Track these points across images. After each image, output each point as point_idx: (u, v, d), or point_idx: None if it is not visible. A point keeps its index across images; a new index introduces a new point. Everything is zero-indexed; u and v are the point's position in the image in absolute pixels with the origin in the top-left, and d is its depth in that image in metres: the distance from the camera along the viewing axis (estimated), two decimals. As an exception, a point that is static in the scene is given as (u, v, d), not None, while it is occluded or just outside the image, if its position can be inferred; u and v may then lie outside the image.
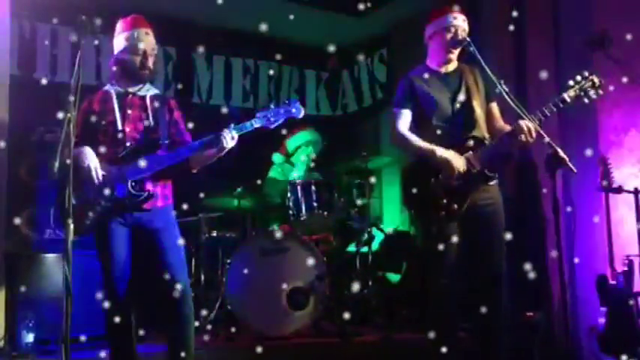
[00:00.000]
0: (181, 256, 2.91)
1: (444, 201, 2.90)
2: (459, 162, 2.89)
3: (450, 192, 2.91)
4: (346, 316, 4.05)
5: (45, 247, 3.87)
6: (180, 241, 2.93)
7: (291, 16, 5.27)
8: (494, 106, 3.15)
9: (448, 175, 2.89)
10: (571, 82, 2.92)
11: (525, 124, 2.83)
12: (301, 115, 3.03)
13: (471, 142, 2.95)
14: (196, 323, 4.12)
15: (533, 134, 2.84)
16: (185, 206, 3.76)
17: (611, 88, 3.79)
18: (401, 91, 3.14)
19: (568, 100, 2.88)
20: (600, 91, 2.93)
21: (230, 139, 2.82)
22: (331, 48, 5.46)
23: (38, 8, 4.84)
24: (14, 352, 3.55)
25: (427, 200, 2.92)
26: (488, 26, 4.65)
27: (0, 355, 3.43)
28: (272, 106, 2.97)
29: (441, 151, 2.91)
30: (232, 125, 2.86)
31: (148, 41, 2.94)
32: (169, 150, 2.88)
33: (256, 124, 2.92)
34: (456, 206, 2.89)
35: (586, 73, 2.93)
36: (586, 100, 2.92)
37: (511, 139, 2.90)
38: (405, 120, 3.10)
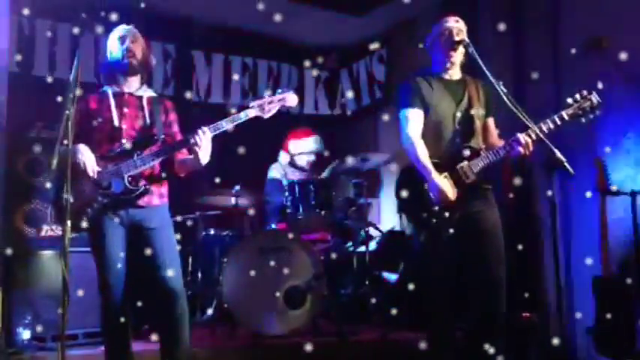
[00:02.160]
0: (175, 255, 2.91)
1: (436, 208, 2.91)
2: (450, 193, 2.90)
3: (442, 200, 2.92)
4: (343, 315, 4.05)
5: (42, 244, 3.87)
6: (175, 241, 2.94)
7: (290, 15, 5.27)
8: (491, 122, 3.18)
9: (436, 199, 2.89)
10: (570, 101, 2.93)
11: (524, 137, 2.85)
12: (295, 103, 3.01)
13: (467, 152, 2.97)
14: (193, 321, 4.14)
15: (531, 148, 2.86)
16: (183, 204, 3.76)
17: (609, 90, 3.81)
18: (407, 91, 3.11)
19: (566, 118, 2.91)
20: (598, 112, 2.94)
21: (202, 133, 2.78)
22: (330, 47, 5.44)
23: (38, 5, 4.82)
24: (11, 349, 3.55)
25: (420, 206, 2.93)
26: (487, 29, 4.66)
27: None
28: (266, 96, 2.96)
29: (437, 179, 2.91)
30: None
31: (131, 35, 2.98)
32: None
33: (251, 114, 2.90)
34: (447, 214, 2.90)
35: (585, 92, 2.94)
36: (583, 120, 2.93)
37: (507, 151, 2.91)
38: (416, 122, 3.05)
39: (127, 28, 3.01)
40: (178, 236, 3.00)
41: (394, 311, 4.02)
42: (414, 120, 3.05)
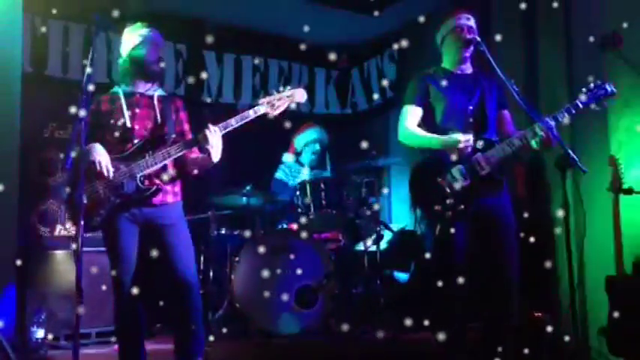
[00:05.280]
0: (190, 252, 2.92)
1: (451, 201, 2.90)
2: (468, 142, 2.90)
3: (456, 192, 2.91)
4: (354, 314, 4.06)
5: (56, 244, 3.90)
6: (190, 237, 2.95)
7: (302, 15, 5.27)
8: (506, 113, 3.18)
9: (458, 151, 2.90)
10: (584, 89, 2.92)
11: (539, 129, 2.84)
12: (303, 99, 3.01)
13: (481, 144, 2.95)
14: (204, 320, 4.15)
15: (548, 137, 2.84)
16: (195, 204, 3.76)
17: (623, 88, 3.78)
18: (413, 88, 3.15)
19: (581, 107, 2.89)
20: (611, 99, 2.94)
21: (211, 131, 2.79)
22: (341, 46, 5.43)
23: (50, 5, 4.86)
24: (25, 347, 3.58)
25: (434, 200, 2.93)
26: (499, 26, 4.64)
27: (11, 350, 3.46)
28: (274, 93, 2.96)
29: (447, 138, 2.94)
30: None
31: (150, 40, 3.00)
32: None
33: (259, 111, 2.90)
34: (462, 207, 2.89)
35: (599, 81, 2.93)
36: (597, 108, 2.93)
37: (522, 143, 2.89)
38: (414, 116, 3.11)
39: (145, 34, 3.00)
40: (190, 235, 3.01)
41: (405, 311, 4.01)
42: (412, 115, 3.10)
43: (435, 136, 3.00)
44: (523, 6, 4.04)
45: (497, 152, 2.94)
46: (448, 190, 2.91)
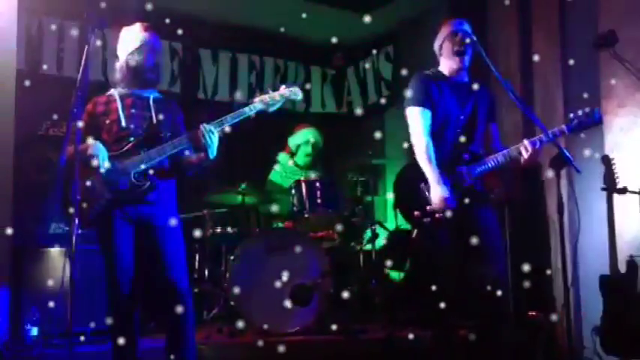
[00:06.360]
0: (181, 254, 2.91)
1: (430, 208, 2.91)
2: (448, 202, 2.89)
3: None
4: (349, 313, 4.06)
5: (50, 241, 3.88)
6: (182, 239, 2.94)
7: (297, 13, 5.28)
8: (494, 127, 3.20)
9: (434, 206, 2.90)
10: (571, 115, 2.96)
11: (524, 147, 2.88)
12: (299, 97, 3.01)
13: (467, 156, 2.98)
14: (200, 319, 4.15)
15: (531, 154, 2.88)
16: (190, 202, 3.76)
17: (617, 87, 3.80)
18: (421, 88, 3.07)
19: (567, 132, 2.94)
20: (599, 125, 3.01)
21: (207, 129, 2.79)
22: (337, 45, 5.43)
23: (45, 3, 4.85)
24: (19, 346, 3.57)
25: (414, 205, 2.94)
26: (495, 27, 4.66)
27: (5, 349, 3.45)
28: (270, 90, 2.96)
29: (441, 186, 2.89)
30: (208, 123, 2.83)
31: (149, 45, 2.98)
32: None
33: (255, 108, 2.91)
34: (440, 214, 2.90)
35: (587, 109, 2.96)
36: (582, 135, 3.01)
37: (506, 160, 2.93)
38: (427, 122, 3.03)
39: (144, 38, 2.97)
40: (185, 234, 3.01)
41: (400, 309, 4.02)
42: (425, 119, 3.02)
43: (435, 171, 2.93)
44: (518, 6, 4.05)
45: (481, 165, 2.98)
46: (429, 197, 2.92)
